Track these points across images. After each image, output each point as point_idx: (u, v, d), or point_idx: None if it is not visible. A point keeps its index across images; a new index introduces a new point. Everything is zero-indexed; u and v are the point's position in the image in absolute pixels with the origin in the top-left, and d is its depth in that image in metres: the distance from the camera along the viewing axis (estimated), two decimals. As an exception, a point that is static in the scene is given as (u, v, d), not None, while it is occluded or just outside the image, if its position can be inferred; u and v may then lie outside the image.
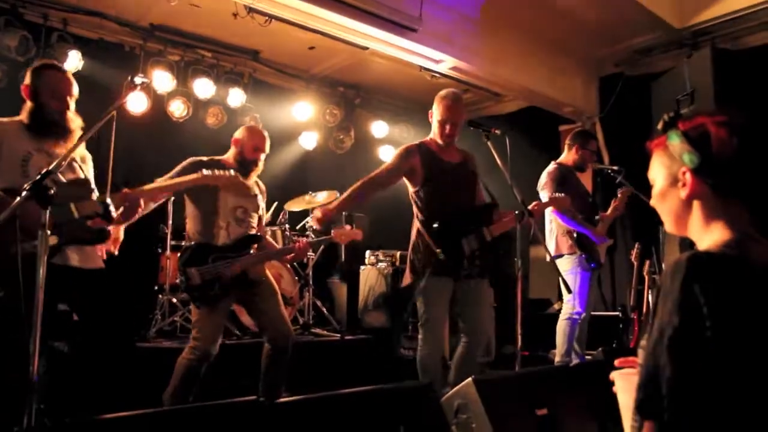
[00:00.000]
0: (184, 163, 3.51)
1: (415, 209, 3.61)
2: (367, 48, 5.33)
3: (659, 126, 1.39)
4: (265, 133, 3.70)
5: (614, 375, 1.46)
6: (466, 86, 6.18)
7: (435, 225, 3.36)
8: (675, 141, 1.37)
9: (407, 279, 3.52)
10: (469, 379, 2.37)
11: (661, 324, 1.15)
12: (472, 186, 3.61)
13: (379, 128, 7.47)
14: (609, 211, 4.56)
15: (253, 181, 3.72)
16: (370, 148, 7.66)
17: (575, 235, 4.38)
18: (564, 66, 6.56)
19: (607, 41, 6.29)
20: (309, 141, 7.12)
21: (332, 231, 3.92)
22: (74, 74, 4.91)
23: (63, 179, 2.75)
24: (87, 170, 3.05)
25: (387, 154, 7.73)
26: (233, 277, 3.46)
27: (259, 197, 3.76)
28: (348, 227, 4.03)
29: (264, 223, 3.95)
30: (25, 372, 1.94)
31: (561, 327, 4.41)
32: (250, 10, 4.83)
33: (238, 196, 3.58)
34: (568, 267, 4.41)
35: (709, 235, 1.31)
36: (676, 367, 1.11)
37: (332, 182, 6.49)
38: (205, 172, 3.17)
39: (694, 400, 1.10)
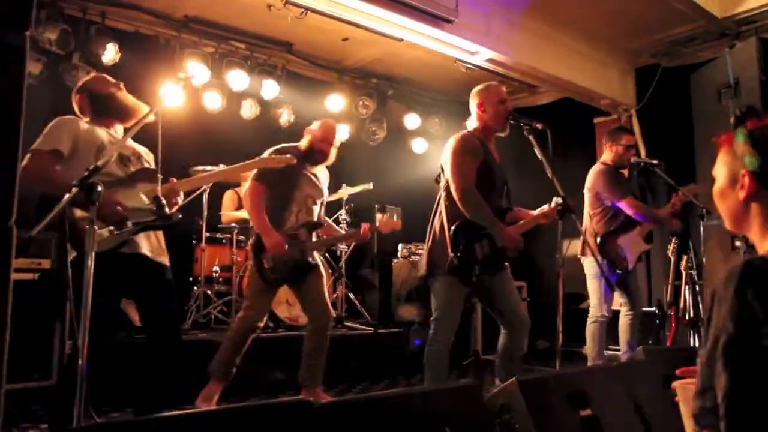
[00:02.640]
0: (264, 155, 3.73)
1: (445, 203, 3.44)
2: (401, 40, 5.27)
3: (732, 120, 1.34)
4: (337, 127, 4.01)
5: (676, 385, 1.42)
6: (500, 78, 6.09)
7: (453, 227, 3.31)
8: (740, 140, 1.33)
9: (422, 269, 3.47)
10: (513, 378, 2.34)
11: (717, 331, 1.11)
12: (505, 187, 3.54)
13: (411, 120, 7.41)
14: (661, 210, 4.50)
15: (322, 169, 4.01)
16: (402, 140, 7.62)
17: (599, 239, 4.33)
18: (600, 57, 6.44)
19: (645, 31, 6.15)
20: (342, 133, 7.09)
21: (376, 221, 4.03)
22: (111, 67, 5.05)
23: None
24: (151, 162, 3.13)
25: (419, 146, 7.70)
26: (297, 260, 3.73)
27: (324, 186, 4.03)
28: (386, 216, 4.13)
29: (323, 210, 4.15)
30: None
31: (589, 330, 4.40)
32: (286, 2, 4.82)
33: (308, 186, 3.87)
34: (592, 270, 4.39)
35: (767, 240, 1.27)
36: (732, 375, 1.07)
37: (365, 174, 6.49)
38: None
39: (750, 409, 1.06)
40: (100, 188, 2.02)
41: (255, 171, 3.75)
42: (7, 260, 1.42)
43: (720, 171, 1.36)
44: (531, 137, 3.31)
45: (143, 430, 1.57)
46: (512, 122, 3.42)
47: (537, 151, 3.26)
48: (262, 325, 3.78)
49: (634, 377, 2.77)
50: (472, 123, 3.53)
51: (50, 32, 4.85)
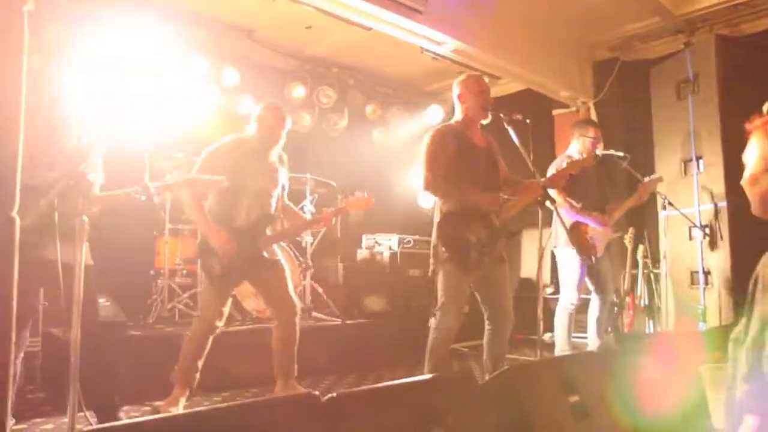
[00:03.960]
0: (204, 158, 3.56)
1: (437, 201, 3.53)
2: (370, 29, 5.22)
3: (764, 108, 1.35)
4: (285, 109, 3.78)
5: (703, 369, 1.45)
6: (465, 68, 6.12)
7: (438, 220, 3.35)
8: None
9: (430, 265, 3.48)
10: (506, 367, 2.36)
11: (763, 316, 1.13)
12: (495, 171, 3.55)
13: (373, 110, 7.36)
14: (628, 200, 4.60)
15: (276, 156, 3.80)
16: (363, 130, 7.58)
17: (569, 228, 4.41)
18: (560, 50, 6.55)
19: (603, 26, 6.31)
20: (303, 122, 7.00)
21: (344, 202, 3.94)
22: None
23: None
24: None
25: (380, 136, 7.67)
26: (250, 258, 3.56)
27: (281, 171, 3.83)
28: (359, 194, 4.01)
29: (285, 196, 3.98)
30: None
31: (558, 318, 4.49)
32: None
33: (261, 177, 3.66)
34: (564, 259, 4.50)
35: None
36: None
37: (326, 163, 6.43)
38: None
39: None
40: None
41: (197, 167, 3.54)
42: (11, 250, 1.34)
43: (752, 156, 1.37)
44: (510, 128, 3.34)
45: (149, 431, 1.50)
46: (492, 113, 3.43)
47: (516, 141, 3.29)
48: (221, 324, 3.64)
49: (617, 364, 2.83)
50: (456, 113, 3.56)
51: None
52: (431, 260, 3.39)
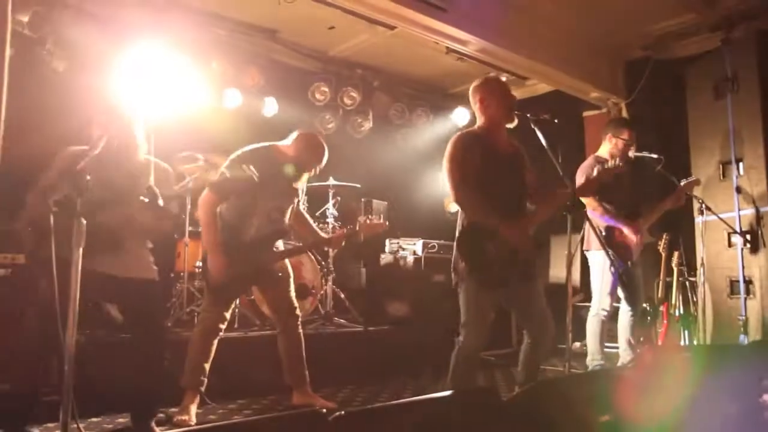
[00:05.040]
0: (232, 163, 3.53)
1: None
2: (394, 28, 5.11)
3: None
4: (325, 147, 3.74)
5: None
6: (491, 68, 5.97)
7: (458, 233, 3.18)
8: None
9: (453, 279, 3.30)
10: (534, 383, 2.22)
11: None
12: (521, 180, 3.31)
13: (397, 111, 7.24)
14: (663, 203, 4.40)
15: (302, 183, 3.81)
16: (388, 132, 7.46)
17: (603, 232, 4.22)
18: (590, 50, 6.35)
19: (635, 24, 6.06)
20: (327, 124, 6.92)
21: (357, 224, 3.83)
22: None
23: None
24: None
25: (406, 138, 7.55)
26: (250, 275, 3.61)
27: (300, 190, 3.82)
28: (368, 219, 3.91)
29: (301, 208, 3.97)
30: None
31: (590, 325, 4.33)
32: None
33: (277, 196, 3.63)
34: (597, 263, 4.34)
35: None
36: None
37: (351, 166, 6.31)
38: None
39: None
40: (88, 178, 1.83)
41: (216, 180, 3.56)
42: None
43: None
44: (536, 128, 3.17)
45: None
46: (518, 113, 3.25)
47: (543, 142, 3.12)
48: (223, 327, 3.62)
49: (649, 379, 2.66)
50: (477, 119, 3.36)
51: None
52: (453, 275, 3.22)
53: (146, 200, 2.32)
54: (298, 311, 3.78)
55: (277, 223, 3.67)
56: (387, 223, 3.96)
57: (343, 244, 3.90)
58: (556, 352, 5.47)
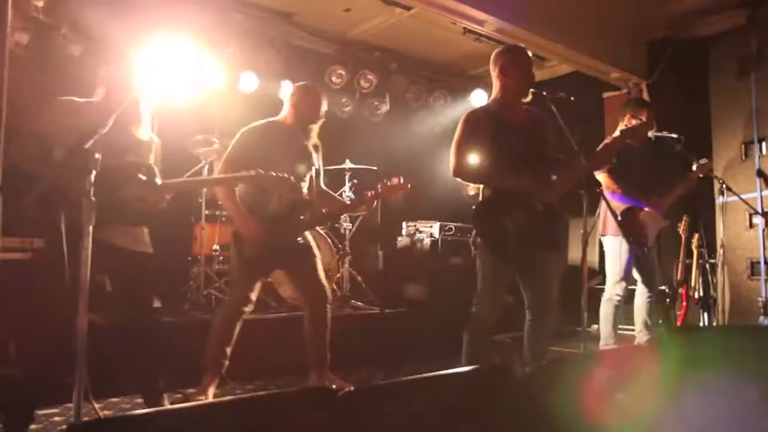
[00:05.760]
0: (238, 138, 3.50)
1: None
2: (411, 8, 5.05)
3: None
4: (319, 89, 3.68)
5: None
6: (509, 50, 5.89)
7: (474, 206, 3.16)
8: None
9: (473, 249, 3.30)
10: (546, 360, 2.20)
11: None
12: (539, 150, 3.25)
13: (414, 94, 7.19)
14: (677, 187, 4.32)
15: (312, 139, 3.69)
16: (406, 115, 7.41)
17: (619, 216, 4.16)
18: (610, 29, 6.23)
19: (657, 3, 5.94)
20: (344, 107, 6.90)
21: (379, 186, 3.80)
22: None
23: None
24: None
25: (423, 121, 7.51)
26: (282, 244, 3.49)
27: (314, 156, 3.72)
28: (395, 180, 3.84)
29: (321, 180, 3.89)
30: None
31: (603, 309, 4.29)
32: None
33: (293, 161, 3.54)
34: (612, 248, 4.27)
35: None
36: None
37: (367, 149, 6.30)
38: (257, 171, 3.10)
39: None
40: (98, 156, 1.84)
41: (226, 154, 3.50)
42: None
43: None
44: (553, 107, 3.12)
45: (163, 423, 1.41)
46: (534, 92, 3.20)
47: (560, 121, 3.08)
48: (248, 310, 3.56)
49: (663, 358, 2.63)
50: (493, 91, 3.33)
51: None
52: (471, 247, 3.22)
53: (144, 178, 2.31)
54: (328, 294, 3.69)
55: (298, 191, 3.57)
56: (409, 185, 3.86)
57: (347, 223, 3.82)
58: (573, 335, 5.47)
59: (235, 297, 3.57)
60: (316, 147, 3.75)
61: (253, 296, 3.56)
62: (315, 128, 3.67)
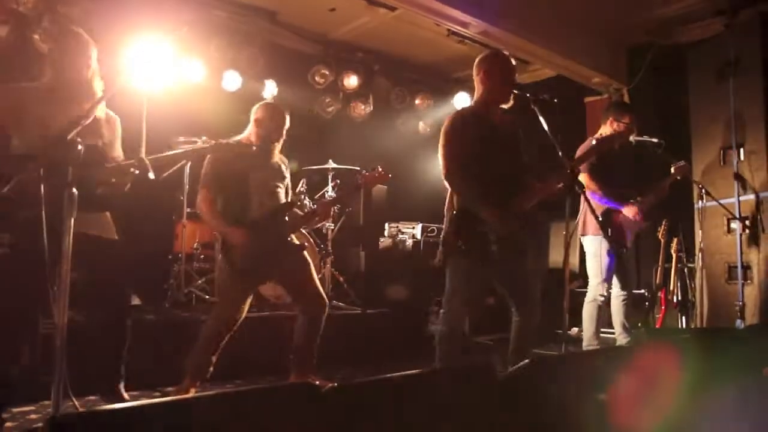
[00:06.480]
0: (208, 162, 3.49)
1: None
2: (395, 9, 5.06)
3: None
4: (285, 111, 3.67)
5: None
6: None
7: (455, 211, 3.15)
8: None
9: (438, 254, 3.29)
10: (528, 360, 2.20)
11: None
12: (519, 154, 3.30)
13: (398, 95, 7.20)
14: (652, 194, 4.36)
15: (277, 157, 3.71)
16: (389, 117, 7.42)
17: (600, 216, 4.19)
18: (592, 34, 6.30)
19: (638, 9, 6.01)
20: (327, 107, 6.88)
21: (358, 177, 3.80)
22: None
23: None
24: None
25: (406, 123, 7.52)
26: (273, 248, 3.48)
27: (283, 167, 3.74)
28: (374, 171, 3.83)
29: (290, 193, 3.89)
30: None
31: (586, 311, 4.30)
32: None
33: (264, 171, 3.58)
34: (592, 248, 4.29)
35: None
36: None
37: (350, 151, 6.29)
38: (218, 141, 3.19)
39: None
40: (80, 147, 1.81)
41: (201, 179, 3.49)
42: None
43: None
44: (536, 108, 3.14)
45: (141, 416, 1.39)
46: (517, 94, 3.22)
47: (543, 123, 3.09)
48: (240, 319, 3.50)
49: (647, 359, 2.66)
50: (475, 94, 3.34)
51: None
52: (440, 249, 3.20)
53: (136, 172, 2.28)
54: (325, 299, 3.66)
55: (278, 196, 3.62)
56: (390, 175, 3.85)
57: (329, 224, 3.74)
58: (553, 337, 5.50)
59: (227, 312, 3.47)
60: (282, 161, 3.76)
61: (245, 308, 3.51)
62: (277, 146, 3.68)
